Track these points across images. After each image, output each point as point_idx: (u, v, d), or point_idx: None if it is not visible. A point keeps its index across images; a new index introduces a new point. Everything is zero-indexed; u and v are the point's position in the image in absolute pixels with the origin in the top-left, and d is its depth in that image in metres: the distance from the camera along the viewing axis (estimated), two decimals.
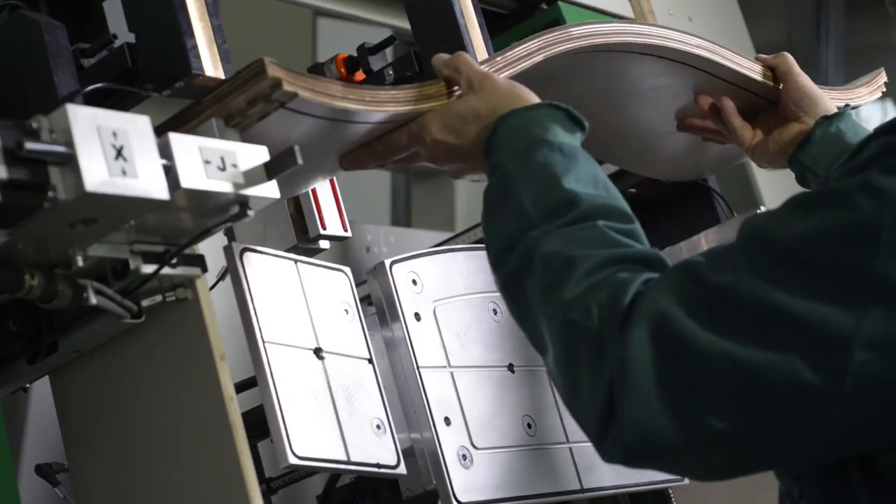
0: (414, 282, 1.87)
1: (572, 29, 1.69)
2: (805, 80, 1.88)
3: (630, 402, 1.20)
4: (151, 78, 1.52)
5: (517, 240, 1.37)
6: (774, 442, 1.20)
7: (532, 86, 1.54)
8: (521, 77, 1.61)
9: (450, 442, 1.78)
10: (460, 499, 1.75)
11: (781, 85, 1.88)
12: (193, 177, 1.32)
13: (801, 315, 1.16)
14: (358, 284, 1.81)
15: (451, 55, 1.59)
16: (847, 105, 1.88)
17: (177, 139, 1.32)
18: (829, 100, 1.88)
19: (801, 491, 1.32)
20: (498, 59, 1.61)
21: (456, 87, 1.57)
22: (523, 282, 1.35)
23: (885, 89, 2.01)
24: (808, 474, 1.31)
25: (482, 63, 1.64)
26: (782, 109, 1.87)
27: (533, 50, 1.65)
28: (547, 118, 1.45)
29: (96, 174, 1.22)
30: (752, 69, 1.87)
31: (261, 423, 1.60)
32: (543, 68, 1.51)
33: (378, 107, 1.52)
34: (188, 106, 1.46)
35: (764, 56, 1.91)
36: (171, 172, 1.30)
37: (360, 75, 1.87)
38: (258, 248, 1.66)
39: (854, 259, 1.15)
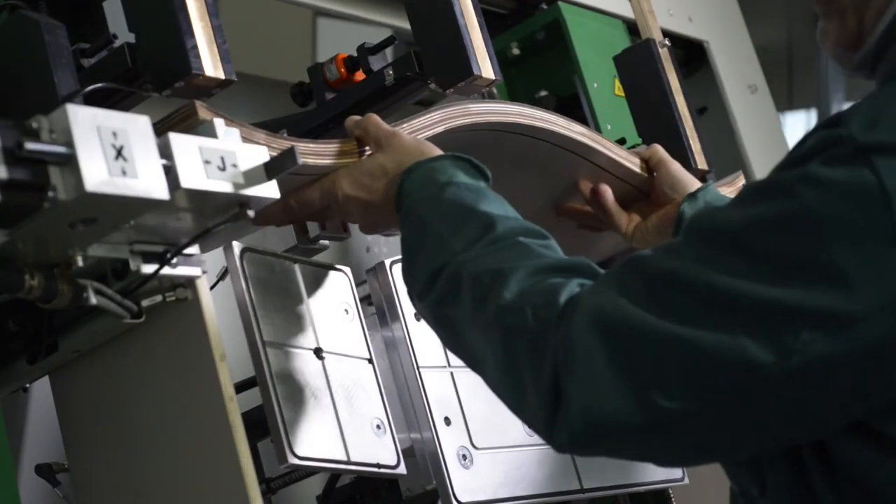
0: None
1: (471, 105, 1.77)
2: (676, 166, 1.98)
3: (577, 386, 1.22)
4: (151, 78, 1.52)
5: (441, 269, 1.41)
6: (724, 423, 1.21)
7: None
8: None
9: (450, 442, 1.78)
10: (460, 499, 1.75)
11: (655, 173, 1.98)
12: (193, 177, 1.32)
13: (748, 296, 1.18)
14: (358, 284, 1.81)
15: (361, 117, 1.65)
16: (709, 182, 1.98)
17: (177, 139, 1.32)
18: (698, 182, 1.98)
19: (762, 488, 1.31)
20: (405, 125, 1.67)
21: (366, 147, 1.63)
22: (451, 307, 1.39)
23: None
24: (771, 468, 1.30)
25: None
26: (656, 195, 1.97)
27: (436, 121, 1.71)
28: (450, 167, 1.51)
29: (96, 174, 1.22)
30: (630, 159, 1.97)
31: (261, 423, 1.60)
32: (455, 146, 1.58)
33: (298, 157, 1.54)
34: None
35: (636, 149, 2.02)
36: (171, 172, 1.30)
37: (360, 75, 1.88)
38: (258, 248, 1.66)
39: (798, 245, 1.18)
